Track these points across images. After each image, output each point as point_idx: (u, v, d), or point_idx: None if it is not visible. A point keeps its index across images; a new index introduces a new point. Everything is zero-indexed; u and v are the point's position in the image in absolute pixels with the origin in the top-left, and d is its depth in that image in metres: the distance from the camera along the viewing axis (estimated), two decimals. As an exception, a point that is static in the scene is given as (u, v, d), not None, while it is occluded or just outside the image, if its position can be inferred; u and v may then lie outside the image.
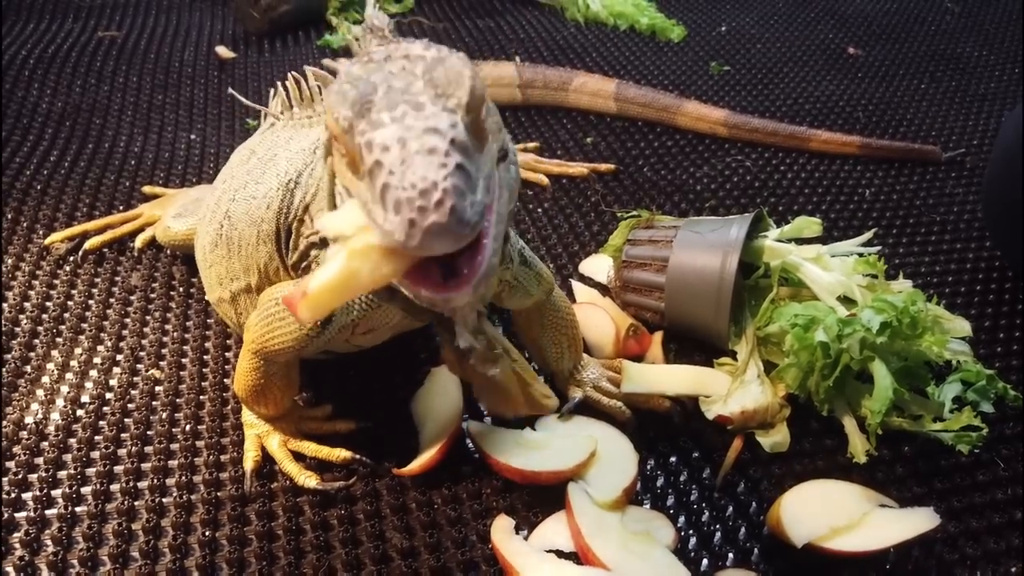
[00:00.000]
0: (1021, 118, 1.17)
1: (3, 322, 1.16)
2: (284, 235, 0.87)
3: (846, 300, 1.03)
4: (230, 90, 1.34)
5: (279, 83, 1.05)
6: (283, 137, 0.96)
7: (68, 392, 1.05)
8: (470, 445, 0.97)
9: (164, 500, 0.91)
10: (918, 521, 0.84)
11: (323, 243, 0.82)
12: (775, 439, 0.97)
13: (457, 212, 0.54)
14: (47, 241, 1.33)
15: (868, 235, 1.13)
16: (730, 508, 0.92)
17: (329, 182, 0.74)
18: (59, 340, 1.14)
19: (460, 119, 0.58)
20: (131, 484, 0.92)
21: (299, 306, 0.59)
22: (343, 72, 0.63)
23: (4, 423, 1.00)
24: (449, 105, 0.59)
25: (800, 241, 1.12)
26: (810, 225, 1.10)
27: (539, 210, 1.46)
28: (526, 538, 0.87)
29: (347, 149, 0.61)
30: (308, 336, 0.84)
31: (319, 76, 0.91)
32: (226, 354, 1.12)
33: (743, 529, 0.89)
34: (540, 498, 0.91)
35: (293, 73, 1.00)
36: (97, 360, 1.11)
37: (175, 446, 0.98)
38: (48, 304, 1.21)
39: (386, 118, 0.58)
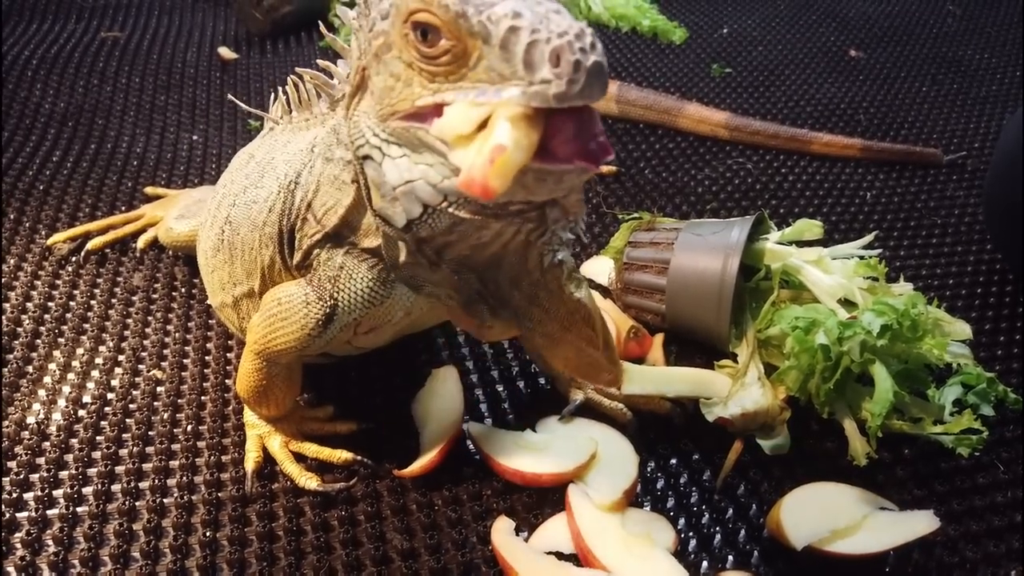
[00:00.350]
0: (1022, 121, 1.17)
1: (5, 322, 1.16)
2: (287, 236, 0.87)
3: (847, 303, 1.03)
4: (230, 96, 1.34)
5: (279, 87, 1.05)
6: (281, 141, 0.96)
7: (70, 392, 1.05)
8: (471, 446, 0.97)
9: (165, 501, 0.91)
10: (918, 524, 0.84)
11: (325, 241, 0.82)
12: (775, 441, 0.97)
13: (605, 58, 0.57)
14: (49, 242, 1.33)
15: (869, 238, 1.13)
16: (730, 510, 0.92)
17: (350, 143, 0.72)
18: (61, 340, 1.14)
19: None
20: (132, 484, 0.92)
21: (488, 179, 0.57)
22: None
23: (6, 423, 1.00)
24: None
25: (801, 244, 1.12)
26: (811, 228, 1.10)
27: (540, 212, 1.46)
28: (526, 540, 0.87)
29: (456, 37, 0.60)
30: (310, 335, 0.84)
31: (315, 77, 0.90)
32: (228, 355, 1.12)
33: (743, 531, 0.90)
34: (540, 500, 0.91)
35: (292, 77, 1.00)
36: (99, 360, 1.11)
37: (176, 446, 0.98)
38: (50, 304, 1.21)
39: None
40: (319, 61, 0.90)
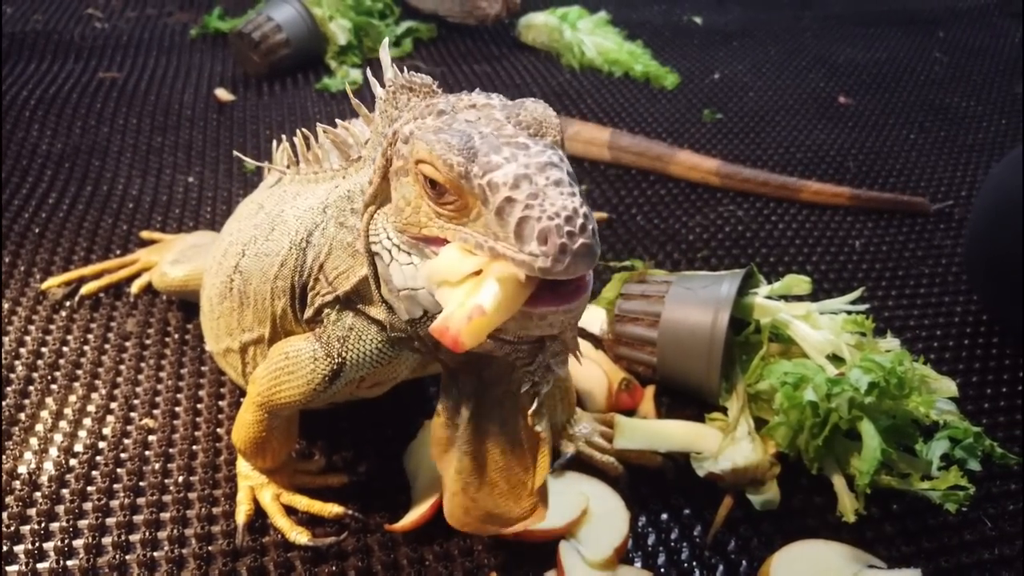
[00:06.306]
0: (1002, 175, 1.20)
1: (-2, 368, 1.17)
2: (299, 292, 0.88)
3: (835, 358, 1.04)
4: (236, 152, 1.35)
5: (283, 137, 1.04)
6: (290, 193, 0.96)
7: (62, 441, 1.05)
8: (462, 500, 0.97)
9: (155, 554, 0.91)
10: (906, 583, 0.85)
11: (335, 302, 0.83)
12: (765, 497, 0.98)
13: (596, 235, 0.59)
14: (44, 286, 1.33)
15: (856, 293, 1.14)
16: (721, 567, 0.92)
17: (364, 238, 0.74)
18: (54, 387, 1.14)
19: (562, 154, 0.63)
20: (123, 537, 0.92)
21: (461, 335, 0.59)
22: (419, 127, 0.66)
23: (-4, 473, 1.00)
24: (547, 143, 0.64)
25: (790, 298, 1.14)
26: (800, 283, 1.11)
27: (533, 258, 1.48)
28: (517, 597, 0.87)
29: (458, 194, 0.62)
30: (316, 390, 0.84)
31: (334, 136, 0.90)
32: (219, 403, 1.13)
33: (733, 589, 0.90)
34: (531, 556, 0.92)
35: (303, 130, 0.99)
36: (91, 408, 1.11)
37: (167, 498, 0.98)
38: (43, 350, 1.21)
39: (499, 159, 0.61)
40: (339, 121, 0.89)
